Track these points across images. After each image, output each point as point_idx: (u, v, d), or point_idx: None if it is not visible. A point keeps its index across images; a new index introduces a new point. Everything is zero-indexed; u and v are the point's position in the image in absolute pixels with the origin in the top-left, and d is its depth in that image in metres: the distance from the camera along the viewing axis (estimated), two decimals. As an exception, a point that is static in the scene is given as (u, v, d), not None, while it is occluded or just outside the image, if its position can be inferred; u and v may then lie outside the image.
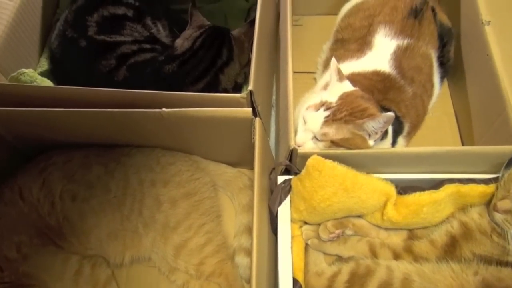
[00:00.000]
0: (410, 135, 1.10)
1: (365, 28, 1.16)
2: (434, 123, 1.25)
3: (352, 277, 0.89)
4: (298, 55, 1.24)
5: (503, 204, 0.86)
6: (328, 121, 0.91)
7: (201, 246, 1.00)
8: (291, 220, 0.93)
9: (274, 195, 0.95)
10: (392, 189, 0.91)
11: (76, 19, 1.16)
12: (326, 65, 1.20)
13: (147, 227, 1.01)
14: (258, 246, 0.81)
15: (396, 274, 0.87)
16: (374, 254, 0.95)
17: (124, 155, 1.08)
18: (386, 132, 0.95)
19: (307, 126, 0.93)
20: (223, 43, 1.18)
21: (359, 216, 0.99)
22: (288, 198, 0.94)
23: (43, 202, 1.00)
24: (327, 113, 0.92)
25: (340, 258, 0.98)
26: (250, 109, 0.92)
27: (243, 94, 0.91)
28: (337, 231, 0.97)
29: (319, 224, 1.00)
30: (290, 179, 0.94)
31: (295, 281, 0.87)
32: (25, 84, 1.09)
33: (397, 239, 0.98)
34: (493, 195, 0.91)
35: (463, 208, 0.95)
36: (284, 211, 0.93)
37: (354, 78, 1.01)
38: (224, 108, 0.91)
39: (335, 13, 1.33)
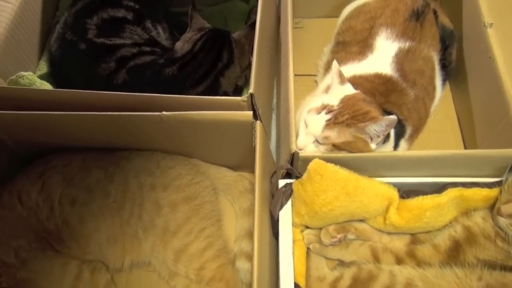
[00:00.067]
0: (412, 138, 1.09)
1: (367, 30, 1.15)
2: (436, 126, 1.24)
3: (354, 282, 0.88)
4: (299, 57, 1.23)
5: (507, 208, 0.85)
6: (329, 124, 0.90)
7: (202, 251, 0.99)
8: (292, 225, 0.92)
9: (275, 199, 0.94)
10: (394, 193, 0.91)
11: (75, 22, 1.16)
12: (327, 67, 1.20)
13: (146, 231, 1.00)
14: (259, 250, 0.80)
15: (398, 279, 0.86)
16: (376, 258, 0.94)
17: (124, 158, 1.07)
18: (388, 136, 0.95)
19: (309, 129, 0.93)
20: (223, 46, 1.17)
21: (361, 220, 0.99)
22: (289, 202, 0.94)
23: (42, 206, 0.99)
24: (328, 116, 0.91)
25: (342, 263, 0.98)
26: (251, 112, 0.91)
27: (244, 97, 0.90)
28: (339, 236, 0.96)
29: (320, 229, 0.99)
30: (291, 183, 0.94)
31: (296, 286, 0.85)
32: (24, 87, 1.08)
33: (399, 244, 0.97)
34: (496, 199, 0.91)
35: (467, 212, 0.94)
36: (285, 215, 0.93)
37: (355, 81, 1.01)
38: (224, 112, 0.91)
39: (336, 16, 1.33)
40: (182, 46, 1.17)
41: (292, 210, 0.94)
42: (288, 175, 0.97)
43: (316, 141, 0.92)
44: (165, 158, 1.09)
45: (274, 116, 1.32)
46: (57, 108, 0.91)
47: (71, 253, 0.99)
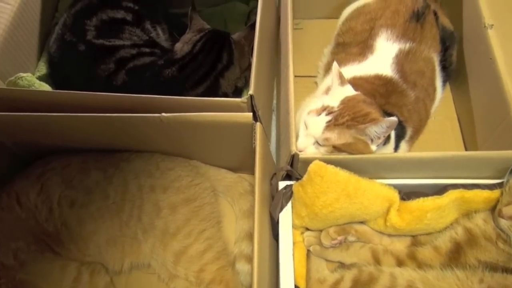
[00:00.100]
0: (412, 139, 1.09)
1: (367, 31, 1.15)
2: (437, 128, 1.24)
3: (355, 285, 0.88)
4: (299, 59, 1.23)
5: (508, 210, 0.85)
6: (330, 126, 0.90)
7: (201, 253, 0.98)
8: (292, 226, 0.92)
9: (275, 201, 0.93)
10: (395, 195, 0.90)
11: (74, 23, 1.15)
12: (327, 69, 1.19)
13: (146, 233, 0.99)
14: (259, 252, 0.79)
15: (399, 281, 0.85)
16: (377, 260, 0.94)
17: (123, 160, 1.07)
18: (388, 137, 0.94)
19: (309, 131, 0.92)
20: (223, 47, 1.17)
21: (362, 222, 0.98)
22: (289, 204, 0.93)
23: (40, 208, 0.99)
24: (329, 117, 0.91)
25: (342, 265, 0.97)
26: (251, 113, 0.91)
27: (244, 99, 0.89)
28: (339, 238, 0.96)
29: (321, 230, 0.99)
30: (291, 185, 0.93)
31: (296, 289, 0.85)
32: (23, 88, 1.08)
33: (400, 246, 0.96)
34: (497, 201, 0.90)
35: (467, 214, 0.94)
36: (285, 217, 0.92)
37: (355, 82, 1.01)
38: (224, 113, 0.90)
39: (336, 17, 1.33)
40: (181, 47, 1.16)
41: (292, 212, 0.93)
42: (288, 176, 0.97)
43: (316, 142, 0.92)
44: (164, 159, 1.09)
45: (274, 117, 1.32)
46: (56, 109, 0.91)
47: (70, 255, 0.99)
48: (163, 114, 0.89)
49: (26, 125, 0.98)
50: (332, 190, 0.87)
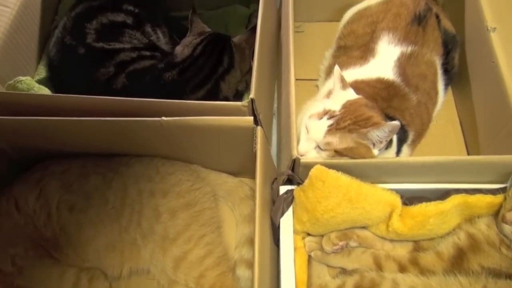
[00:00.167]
0: (414, 143, 1.08)
1: (368, 35, 1.15)
2: (439, 131, 1.23)
3: (357, 291, 0.87)
4: (300, 62, 1.23)
5: (512, 216, 0.84)
6: (331, 130, 0.89)
7: (201, 258, 0.97)
8: (293, 232, 0.91)
9: (276, 206, 0.93)
10: (397, 200, 0.89)
11: (74, 26, 1.15)
12: (329, 72, 1.19)
13: (145, 238, 0.98)
14: (260, 258, 0.79)
15: (402, 287, 0.84)
16: (379, 266, 0.93)
17: (123, 164, 1.06)
18: (390, 141, 0.94)
19: (310, 135, 0.91)
20: (224, 50, 1.16)
21: (364, 227, 0.97)
22: (290, 209, 0.93)
23: (39, 213, 0.98)
24: (330, 121, 0.90)
25: (344, 271, 0.96)
26: (252, 117, 0.90)
27: (245, 103, 0.89)
28: (341, 243, 0.95)
29: (322, 236, 0.98)
30: (292, 190, 0.93)
31: (298, 295, 0.84)
32: (22, 92, 1.08)
33: (402, 251, 0.96)
34: (501, 206, 0.89)
35: (470, 219, 0.93)
36: (286, 222, 0.92)
37: (357, 86, 1.00)
38: (225, 117, 0.90)
39: (337, 20, 1.32)
40: (182, 50, 1.16)
41: (293, 217, 0.92)
42: (289, 181, 0.96)
43: (318, 147, 0.91)
44: (164, 164, 1.08)
45: (274, 121, 1.31)
46: (55, 113, 0.91)
47: (69, 261, 0.98)
48: (163, 118, 0.89)
49: (25, 129, 0.97)
50: (334, 195, 0.87)
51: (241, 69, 1.18)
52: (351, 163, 0.89)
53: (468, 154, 1.20)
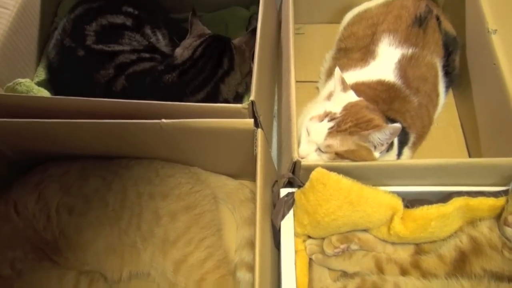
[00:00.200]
0: (415, 145, 1.08)
1: (369, 37, 1.14)
2: (440, 134, 1.22)
3: (358, 294, 0.87)
4: (300, 64, 1.22)
5: (514, 218, 0.83)
6: (332, 132, 0.89)
7: (202, 261, 0.97)
8: (294, 234, 0.91)
9: (277, 209, 0.92)
10: (398, 203, 0.89)
11: (74, 28, 1.15)
12: (329, 74, 1.19)
13: (145, 241, 0.98)
14: (260, 261, 0.79)
15: (403, 291, 0.84)
16: (380, 269, 0.92)
17: (122, 167, 1.06)
18: (392, 144, 0.93)
19: (311, 137, 0.91)
20: (224, 52, 1.16)
21: (365, 230, 0.96)
22: (291, 212, 0.92)
23: (38, 216, 0.97)
24: (331, 124, 0.90)
25: (345, 274, 0.95)
26: (252, 120, 0.90)
27: (245, 105, 0.88)
28: (342, 246, 0.94)
29: (323, 238, 0.97)
30: (293, 192, 0.92)
31: (299, 298, 0.84)
32: (21, 94, 1.07)
33: (404, 254, 0.95)
34: (503, 209, 0.89)
35: (472, 222, 0.93)
36: (287, 225, 0.91)
37: (358, 88, 0.99)
38: (225, 119, 0.89)
39: (338, 22, 1.32)
40: (182, 52, 1.15)
41: (294, 220, 0.92)
42: (290, 184, 0.95)
43: (319, 149, 0.91)
44: (164, 166, 1.08)
45: (275, 123, 1.31)
46: (55, 115, 0.90)
47: (68, 264, 0.97)
48: (163, 120, 0.88)
49: (24, 132, 0.97)
50: (335, 197, 0.86)
51: (241, 71, 1.17)
52: (352, 165, 0.88)
53: (469, 156, 1.20)
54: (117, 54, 1.11)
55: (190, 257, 0.97)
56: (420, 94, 1.05)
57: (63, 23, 1.17)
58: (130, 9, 1.21)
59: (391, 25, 1.11)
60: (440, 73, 1.13)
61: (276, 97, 1.36)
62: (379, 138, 0.86)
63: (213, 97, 1.11)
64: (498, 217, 0.90)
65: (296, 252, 0.89)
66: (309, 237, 0.98)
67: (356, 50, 1.15)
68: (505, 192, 0.89)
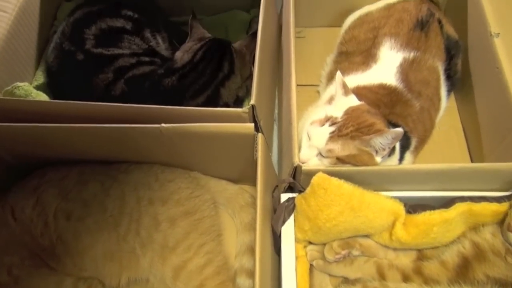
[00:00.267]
0: (417, 150, 1.07)
1: (370, 40, 1.14)
2: (442, 138, 1.22)
3: (360, 301, 0.86)
4: (301, 67, 1.21)
5: (518, 224, 0.82)
6: (333, 137, 0.88)
7: (201, 268, 0.96)
8: (295, 240, 0.90)
9: (277, 214, 0.91)
10: (400, 208, 0.88)
11: (73, 31, 1.14)
12: (330, 78, 1.18)
13: (144, 247, 0.96)
14: (260, 267, 0.78)
15: (406, 298, 0.83)
16: (382, 275, 0.91)
17: (121, 171, 1.05)
18: (393, 148, 0.92)
19: (312, 142, 0.90)
20: (224, 56, 1.15)
21: (366, 236, 0.96)
22: (292, 217, 0.91)
23: (36, 222, 0.96)
24: (332, 128, 0.89)
25: (346, 280, 0.94)
26: (252, 124, 0.89)
27: (245, 109, 0.88)
28: (343, 252, 0.93)
29: (324, 244, 0.96)
30: (294, 197, 0.91)
31: (299, 305, 0.83)
32: (19, 98, 1.06)
33: (406, 260, 0.94)
34: (506, 214, 0.88)
35: (475, 228, 0.92)
36: (287, 230, 0.90)
37: (359, 92, 0.99)
38: (225, 124, 0.88)
39: (339, 25, 1.31)
40: (182, 56, 1.14)
41: (294, 225, 0.91)
42: (290, 189, 0.94)
43: (320, 154, 0.90)
44: (164, 171, 1.07)
45: (275, 127, 1.30)
46: (53, 119, 0.89)
47: (66, 270, 0.96)
48: (163, 124, 0.88)
49: (22, 136, 0.96)
50: (336, 203, 0.85)
51: (242, 75, 1.16)
52: (354, 170, 0.87)
53: (472, 161, 1.19)
54: (116, 57, 1.10)
55: (189, 263, 0.96)
56: (422, 98, 1.05)
57: (63, 26, 1.17)
58: (129, 13, 1.20)
59: (393, 29, 1.11)
60: (442, 77, 1.12)
61: (276, 101, 1.35)
62: (381, 143, 0.85)
63: (213, 101, 1.10)
64: (501, 222, 0.88)
65: (296, 258, 0.88)
66: (310, 243, 0.98)
67: (358, 53, 1.15)
68: (508, 198, 0.88)
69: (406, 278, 0.90)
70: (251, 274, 0.99)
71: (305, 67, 1.33)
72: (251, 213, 1.07)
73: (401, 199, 0.89)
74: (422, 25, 1.10)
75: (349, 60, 1.15)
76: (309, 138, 0.91)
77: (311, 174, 0.85)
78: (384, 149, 0.87)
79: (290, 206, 0.91)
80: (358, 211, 0.86)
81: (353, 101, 0.93)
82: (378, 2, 1.22)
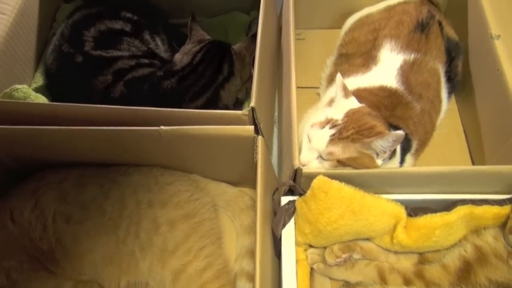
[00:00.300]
0: (418, 152, 1.06)
1: (370, 42, 1.13)
2: (442, 140, 1.21)
3: (361, 305, 0.85)
4: (301, 69, 1.21)
5: (520, 228, 0.82)
6: (334, 139, 0.87)
7: (201, 271, 0.95)
8: (295, 243, 0.89)
9: (278, 217, 0.91)
10: (402, 211, 0.87)
11: (72, 33, 1.14)
12: (330, 80, 1.17)
13: (144, 250, 0.96)
14: (261, 270, 0.77)
15: (407, 301, 0.82)
16: (383, 279, 0.91)
17: (121, 174, 1.04)
18: (394, 151, 0.92)
19: (312, 144, 0.90)
20: (223, 58, 1.14)
21: (367, 239, 0.95)
22: (292, 220, 0.91)
23: (34, 225, 0.95)
24: (332, 131, 0.88)
25: (347, 284, 0.94)
26: (252, 127, 0.89)
27: (245, 111, 0.87)
28: (344, 255, 0.92)
29: (325, 248, 0.95)
30: (294, 200, 0.91)
31: (300, 309, 0.82)
32: (18, 100, 1.06)
33: (407, 263, 0.93)
34: (508, 217, 0.87)
35: (476, 231, 0.91)
36: (288, 234, 0.89)
37: (359, 94, 0.98)
38: (225, 126, 0.88)
39: (339, 27, 1.31)
40: (181, 58, 1.14)
41: (295, 228, 0.90)
42: (290, 191, 0.94)
43: (320, 156, 0.89)
44: (163, 173, 1.06)
45: (275, 130, 1.29)
46: (52, 122, 0.89)
47: (65, 274, 0.95)
48: (162, 127, 0.87)
49: (21, 139, 0.96)
50: (337, 206, 0.85)
51: (241, 77, 1.16)
52: (354, 173, 0.87)
53: (473, 163, 1.18)
54: (115, 60, 1.09)
55: (189, 267, 0.95)
56: (422, 100, 1.04)
57: (62, 28, 1.16)
58: (129, 15, 1.20)
59: (393, 31, 1.10)
60: (443, 79, 1.12)
61: (276, 103, 1.35)
62: (381, 146, 0.85)
63: (212, 103, 1.10)
64: (503, 225, 0.88)
65: (297, 261, 0.87)
66: (311, 246, 0.97)
67: (358, 55, 1.14)
68: (510, 200, 0.88)
69: (407, 282, 0.89)
70: (251, 278, 0.98)
71: (305, 69, 1.32)
72: (251, 216, 1.07)
73: (402, 202, 0.88)
74: (422, 27, 1.09)
75: (349, 62, 1.15)
76: (310, 141, 0.91)
77: (311, 177, 0.85)
78: (385, 152, 0.87)
79: (291, 209, 0.91)
80: (359, 214, 0.86)
81: (353, 103, 0.93)
82: (378, 4, 1.22)
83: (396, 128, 0.95)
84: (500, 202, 0.88)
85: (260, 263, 0.78)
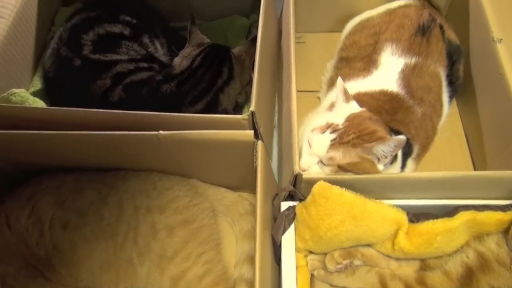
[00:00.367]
0: (419, 157, 1.05)
1: (371, 46, 1.12)
2: (444, 144, 1.20)
3: (362, 312, 0.84)
4: (301, 73, 1.20)
5: (523, 234, 0.81)
6: (334, 144, 0.86)
7: (200, 278, 0.94)
8: (295, 249, 0.88)
9: (278, 223, 0.90)
10: (403, 217, 0.86)
11: (71, 37, 1.13)
12: (331, 84, 1.17)
13: (142, 257, 0.95)
14: (260, 277, 0.76)
15: (409, 309, 0.81)
16: (384, 286, 0.90)
17: (119, 179, 1.03)
18: (395, 156, 0.91)
19: (313, 149, 0.89)
20: (223, 62, 1.14)
21: (368, 245, 0.94)
22: (292, 226, 0.90)
23: (31, 231, 0.94)
24: (333, 136, 0.87)
25: (348, 290, 0.93)
26: (252, 131, 0.88)
27: (245, 116, 0.87)
28: (344, 262, 0.92)
29: (325, 254, 0.94)
30: (294, 206, 0.90)
31: (300, 316, 0.81)
32: (15, 105, 1.05)
33: (408, 270, 0.92)
34: (510, 223, 0.86)
35: (479, 237, 0.90)
36: (288, 240, 0.89)
37: (360, 98, 0.97)
38: (224, 131, 0.87)
39: (339, 31, 1.30)
40: (180, 62, 1.13)
41: (295, 234, 0.89)
42: (290, 197, 0.93)
43: (321, 161, 0.88)
44: (162, 178, 1.05)
45: (275, 134, 1.28)
46: (50, 126, 0.88)
47: (62, 281, 0.94)
48: (161, 132, 0.86)
49: (18, 143, 0.95)
50: (338, 212, 0.84)
51: (241, 81, 1.15)
52: (355, 178, 0.86)
53: (474, 167, 1.17)
54: (114, 63, 1.09)
55: (188, 273, 0.94)
56: (424, 104, 1.03)
57: (60, 32, 1.15)
58: (128, 18, 1.19)
59: (394, 34, 1.09)
60: (444, 83, 1.11)
61: (276, 107, 1.34)
62: (383, 151, 0.84)
63: (212, 108, 1.09)
64: (506, 231, 0.87)
65: (297, 267, 0.86)
66: (311, 252, 0.96)
67: (358, 59, 1.13)
68: (513, 206, 0.87)
69: (409, 289, 0.89)
70: (251, 284, 0.97)
71: (305, 72, 1.31)
72: (251, 221, 1.05)
73: (403, 207, 0.88)
74: (423, 31, 1.08)
75: (349, 66, 1.14)
76: (310, 146, 0.90)
77: (312, 182, 0.84)
78: (386, 157, 0.86)
79: (291, 215, 0.90)
80: (360, 220, 0.85)
81: (354, 107, 0.92)
82: (379, 7, 1.21)
83: (397, 132, 0.94)
84: (502, 208, 0.87)
85: (260, 269, 0.77)
